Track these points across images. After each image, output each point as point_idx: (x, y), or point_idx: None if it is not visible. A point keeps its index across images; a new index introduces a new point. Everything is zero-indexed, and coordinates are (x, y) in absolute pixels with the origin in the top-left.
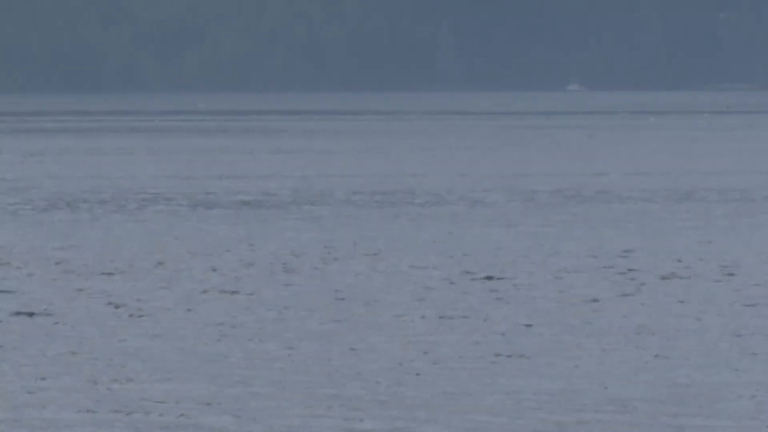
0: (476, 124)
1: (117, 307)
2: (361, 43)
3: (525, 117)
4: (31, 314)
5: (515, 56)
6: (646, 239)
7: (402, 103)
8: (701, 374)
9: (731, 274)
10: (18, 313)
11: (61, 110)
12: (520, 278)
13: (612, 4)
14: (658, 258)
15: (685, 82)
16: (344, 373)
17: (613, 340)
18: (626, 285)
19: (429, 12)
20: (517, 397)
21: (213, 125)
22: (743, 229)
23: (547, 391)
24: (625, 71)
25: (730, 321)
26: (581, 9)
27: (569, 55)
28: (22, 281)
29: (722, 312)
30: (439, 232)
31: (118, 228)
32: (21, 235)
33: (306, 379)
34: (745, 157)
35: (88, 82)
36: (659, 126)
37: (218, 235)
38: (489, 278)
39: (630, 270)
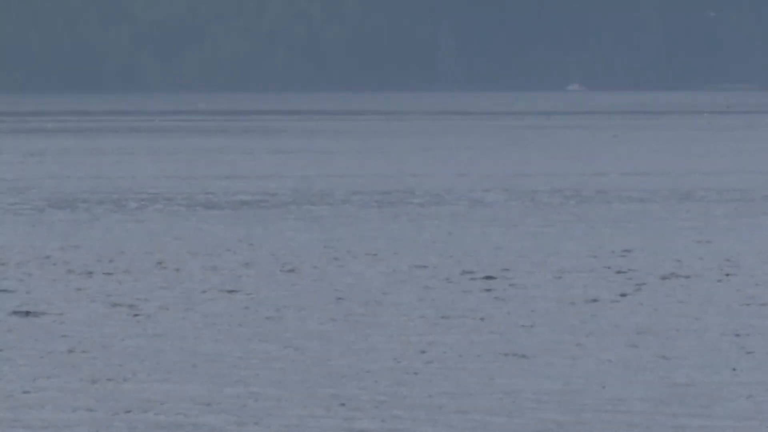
0: (476, 124)
1: (117, 307)
2: (361, 43)
3: (525, 117)
4: (31, 314)
5: (515, 56)
6: (646, 239)
7: (402, 103)
8: (701, 374)
9: (731, 274)
10: (18, 313)
11: (61, 110)
12: (520, 278)
13: (612, 4)
14: (658, 258)
15: (685, 82)
16: (344, 373)
17: (612, 340)
18: (626, 285)
19: (429, 12)
20: (516, 397)
21: (213, 125)
22: (743, 229)
23: (547, 391)
24: (625, 71)
25: (730, 321)
26: (581, 9)
27: (569, 55)
28: (22, 281)
29: (722, 312)
30: (439, 232)
31: (118, 228)
32: (21, 235)
33: (306, 379)
34: (745, 157)
35: (88, 82)
36: (660, 126)
37: (218, 235)
38: (489, 278)
39: (630, 270)
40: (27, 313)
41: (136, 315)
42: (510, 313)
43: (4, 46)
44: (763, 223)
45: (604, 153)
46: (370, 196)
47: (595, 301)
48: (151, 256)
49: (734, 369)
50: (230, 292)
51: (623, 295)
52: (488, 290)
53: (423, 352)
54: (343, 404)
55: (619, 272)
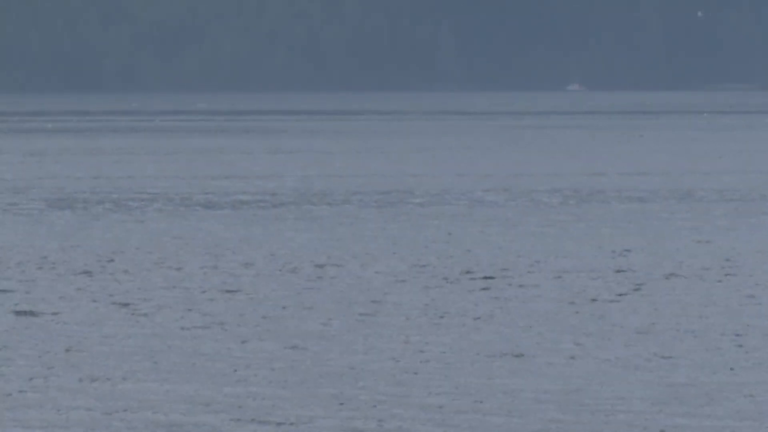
0: (476, 124)
1: (117, 306)
2: (361, 43)
3: (525, 117)
4: (31, 314)
5: (515, 56)
6: (646, 239)
7: (402, 103)
8: (701, 374)
9: (731, 274)
10: (17, 313)
11: (61, 110)
12: (520, 278)
13: (612, 4)
14: (658, 258)
15: (685, 82)
16: (344, 373)
17: (612, 340)
18: (626, 285)
19: (429, 12)
20: (516, 397)
21: (213, 125)
22: (743, 229)
23: (547, 391)
24: (625, 71)
25: (730, 321)
26: (581, 9)
27: (569, 55)
28: (22, 281)
29: (722, 312)
30: (439, 232)
31: (118, 228)
32: (21, 235)
33: (306, 379)
34: (745, 157)
35: (88, 82)
36: (660, 126)
37: (218, 235)
38: (489, 278)
39: (630, 270)
40: (27, 313)
41: (135, 315)
42: (510, 313)
43: (4, 46)
44: (763, 223)
45: (604, 153)
46: (370, 196)
47: (595, 301)
48: (151, 256)
49: (734, 369)
50: (230, 292)
51: (623, 295)
52: (488, 290)
53: (423, 352)
54: (343, 404)
55: (619, 272)
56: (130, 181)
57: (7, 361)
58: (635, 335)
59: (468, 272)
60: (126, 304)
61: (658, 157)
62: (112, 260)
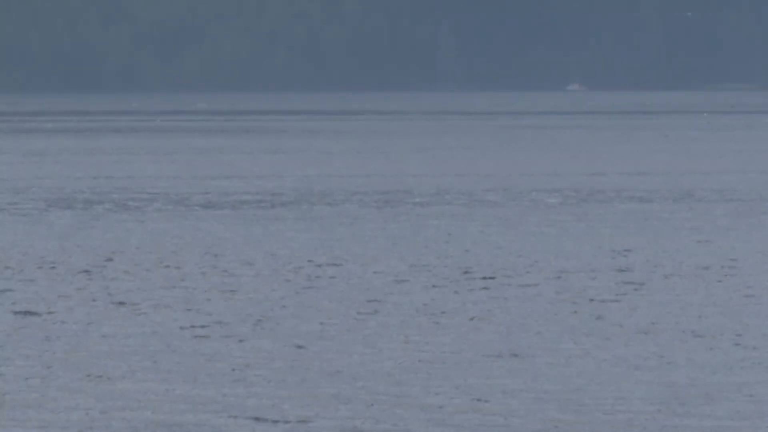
0: (476, 124)
1: (117, 306)
2: (361, 43)
3: (525, 117)
4: (31, 314)
5: (515, 56)
6: (646, 239)
7: (402, 103)
8: (701, 374)
9: (731, 274)
10: (17, 313)
11: (61, 110)
12: (520, 278)
13: (612, 4)
14: (658, 258)
15: (685, 82)
16: (344, 373)
17: (613, 340)
18: (626, 285)
19: (429, 12)
20: (516, 397)
21: (213, 125)
22: (743, 229)
23: (547, 391)
24: (625, 71)
25: (730, 321)
26: (581, 9)
27: (569, 55)
28: (22, 281)
29: (722, 312)
30: (439, 232)
31: (117, 228)
32: (21, 235)
33: (306, 379)
34: (745, 157)
35: (88, 82)
36: (660, 126)
37: (218, 235)
38: (489, 278)
39: (630, 270)
40: (27, 313)
41: (135, 314)
42: (509, 313)
43: (4, 46)
44: (763, 223)
45: (604, 153)
46: (370, 196)
47: (595, 301)
48: (151, 256)
49: (734, 369)
50: (230, 292)
51: (623, 295)
52: (488, 290)
53: (423, 351)
54: (343, 404)
55: (619, 272)
56: (130, 181)
57: (7, 361)
58: (635, 335)
59: (468, 272)
60: (126, 304)
61: (658, 157)
62: (111, 260)
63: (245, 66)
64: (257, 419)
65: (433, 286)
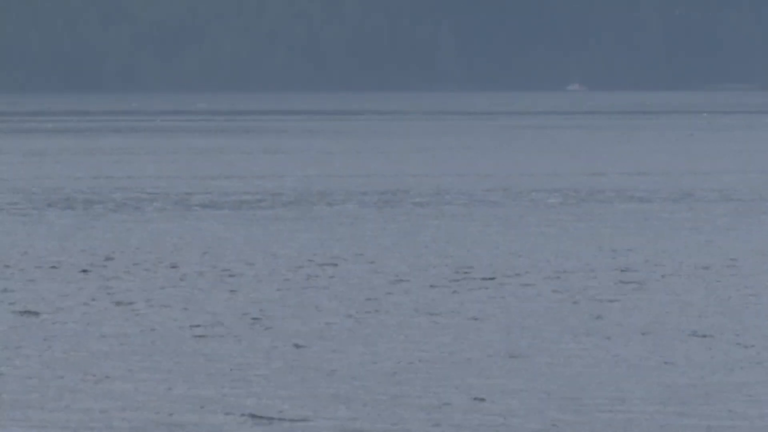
0: (476, 124)
1: (117, 306)
2: (361, 43)
3: (525, 117)
4: (30, 314)
5: (515, 56)
6: (646, 239)
7: (402, 103)
8: (701, 374)
9: (731, 274)
10: (18, 313)
11: (61, 110)
12: (520, 278)
13: (612, 4)
14: (658, 258)
15: (685, 82)
16: (344, 373)
17: (613, 340)
18: (626, 285)
19: (429, 12)
20: (517, 397)
21: (213, 125)
22: (743, 229)
23: (547, 391)
24: (625, 71)
25: (730, 321)
26: (581, 9)
27: (569, 55)
28: (22, 281)
29: (722, 312)
30: (439, 232)
31: (117, 228)
32: (21, 235)
33: (306, 379)
34: (745, 157)
35: (88, 82)
36: (660, 126)
37: (218, 235)
38: (489, 278)
39: (630, 270)
40: (27, 314)
41: (135, 314)
42: (510, 313)
43: (4, 46)
44: (763, 223)
45: (604, 153)
46: (370, 196)
47: (595, 301)
48: (151, 256)
49: (734, 369)
50: (230, 292)
51: (623, 295)
52: (488, 290)
53: (422, 351)
54: (342, 404)
55: (619, 272)
56: (130, 181)
57: (7, 361)
58: (635, 335)
59: (468, 272)
60: (126, 304)
61: (658, 157)
62: (111, 260)
63: (245, 66)
64: (257, 419)
65: (433, 286)
